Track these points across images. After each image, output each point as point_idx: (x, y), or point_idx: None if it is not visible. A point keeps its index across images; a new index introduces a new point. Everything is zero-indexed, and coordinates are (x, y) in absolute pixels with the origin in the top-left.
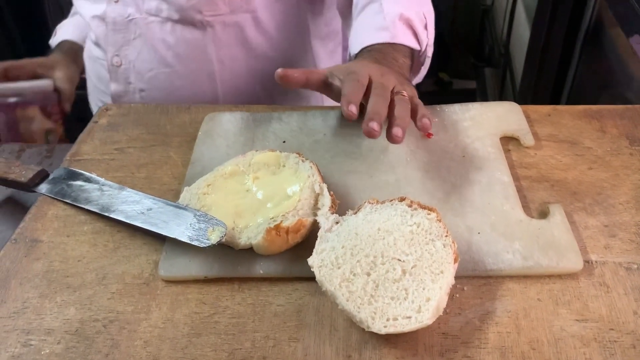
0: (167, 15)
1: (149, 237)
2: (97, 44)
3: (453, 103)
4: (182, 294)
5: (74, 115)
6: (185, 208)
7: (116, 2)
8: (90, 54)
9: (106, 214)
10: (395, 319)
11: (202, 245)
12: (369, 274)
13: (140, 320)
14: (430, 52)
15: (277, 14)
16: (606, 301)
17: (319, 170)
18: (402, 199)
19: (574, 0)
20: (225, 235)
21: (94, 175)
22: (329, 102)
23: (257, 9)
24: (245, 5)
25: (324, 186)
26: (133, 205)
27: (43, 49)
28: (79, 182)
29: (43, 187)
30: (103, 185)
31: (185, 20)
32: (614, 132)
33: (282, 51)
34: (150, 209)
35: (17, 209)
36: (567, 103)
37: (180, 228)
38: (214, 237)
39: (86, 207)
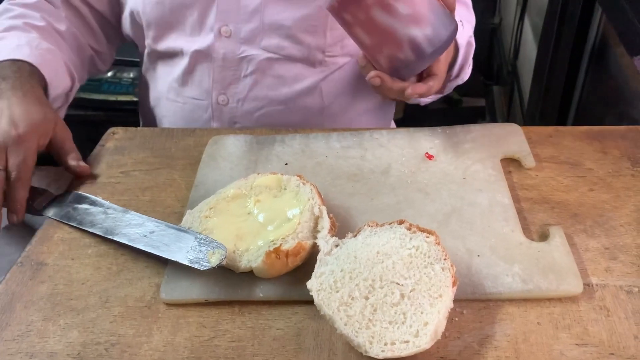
0: (287, 53)
1: (151, 260)
2: (185, 80)
3: (462, 120)
4: (183, 317)
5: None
6: (186, 231)
7: (228, 37)
8: (169, 93)
9: (110, 237)
10: (393, 344)
11: (202, 268)
12: (367, 298)
13: (142, 344)
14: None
15: None
16: (606, 325)
17: (319, 193)
18: (401, 222)
19: (579, 20)
20: (225, 258)
21: (99, 199)
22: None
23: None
24: (355, 50)
25: (324, 209)
26: (136, 228)
27: None
28: (84, 206)
29: (50, 211)
30: (108, 208)
31: (306, 59)
32: (616, 153)
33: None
34: (153, 232)
35: (25, 231)
36: (574, 120)
37: (181, 251)
38: (214, 260)
39: (91, 230)
